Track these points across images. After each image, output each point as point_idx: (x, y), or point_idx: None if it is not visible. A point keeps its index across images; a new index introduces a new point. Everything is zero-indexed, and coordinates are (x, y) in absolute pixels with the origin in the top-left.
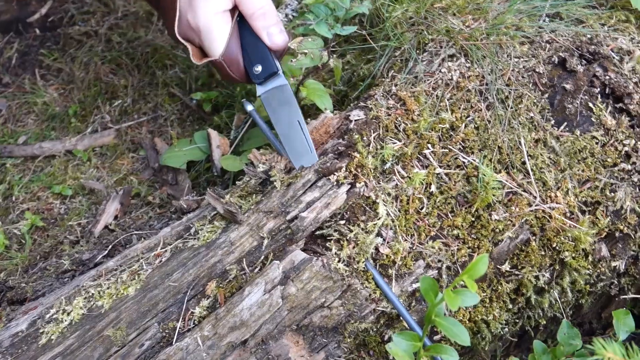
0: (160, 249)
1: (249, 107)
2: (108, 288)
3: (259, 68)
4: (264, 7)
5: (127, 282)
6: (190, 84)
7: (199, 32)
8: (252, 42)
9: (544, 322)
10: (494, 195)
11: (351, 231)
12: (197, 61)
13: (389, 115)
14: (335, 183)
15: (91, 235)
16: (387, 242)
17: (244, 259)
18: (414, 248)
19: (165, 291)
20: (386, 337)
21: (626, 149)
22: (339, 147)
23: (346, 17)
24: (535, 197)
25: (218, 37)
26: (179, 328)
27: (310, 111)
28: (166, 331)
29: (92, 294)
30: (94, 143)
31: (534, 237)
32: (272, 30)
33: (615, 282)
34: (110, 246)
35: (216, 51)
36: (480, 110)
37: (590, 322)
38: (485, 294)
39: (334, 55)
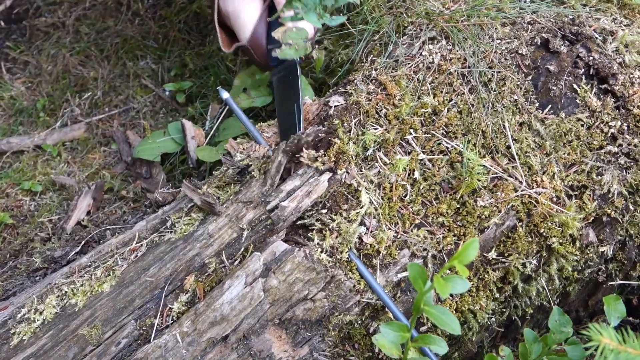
0: (136, 243)
1: (225, 95)
2: (82, 285)
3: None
4: None
5: (101, 278)
6: (162, 74)
7: (229, 17)
8: (274, 25)
9: (531, 311)
10: (479, 180)
11: (333, 220)
12: (226, 49)
13: (370, 100)
14: (316, 170)
15: (63, 231)
16: (371, 231)
17: (224, 252)
18: (398, 237)
19: (141, 287)
20: (371, 330)
21: (612, 130)
22: (319, 134)
23: (335, 7)
24: (521, 182)
25: (246, 22)
26: (157, 325)
27: None
28: (143, 328)
29: (65, 291)
30: (63, 137)
31: (520, 223)
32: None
33: (603, 268)
34: (83, 242)
35: (244, 36)
36: (463, 93)
37: (577, 310)
38: (472, 283)
39: (317, 46)
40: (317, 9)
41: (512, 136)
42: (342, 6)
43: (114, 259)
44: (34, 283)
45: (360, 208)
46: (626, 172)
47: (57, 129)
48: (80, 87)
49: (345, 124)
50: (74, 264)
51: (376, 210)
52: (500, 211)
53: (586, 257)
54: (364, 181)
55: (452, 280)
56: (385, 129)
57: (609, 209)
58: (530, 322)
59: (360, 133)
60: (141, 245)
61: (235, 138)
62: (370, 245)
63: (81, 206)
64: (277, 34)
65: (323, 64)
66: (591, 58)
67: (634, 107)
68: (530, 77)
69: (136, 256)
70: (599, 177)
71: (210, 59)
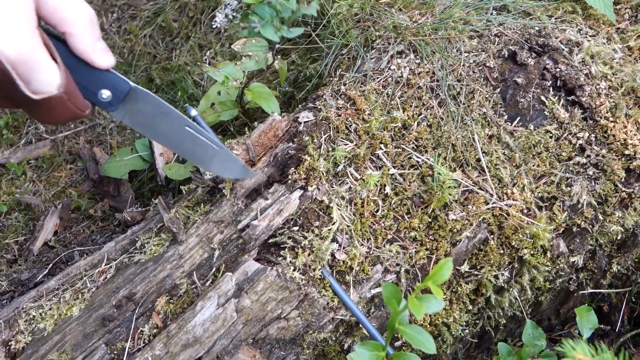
0: (105, 265)
1: (193, 112)
2: (50, 309)
3: (107, 93)
4: (89, 16)
5: (70, 301)
6: None
7: (13, 64)
8: (79, 65)
9: (504, 321)
10: (450, 194)
11: (305, 238)
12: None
13: (339, 115)
14: (286, 189)
15: (30, 253)
16: (343, 248)
17: (195, 272)
18: (370, 252)
19: (111, 310)
20: (346, 346)
21: (580, 142)
22: (289, 151)
23: (293, 19)
24: (491, 195)
25: (45, 63)
26: (129, 348)
27: (256, 114)
28: (115, 352)
29: (34, 316)
30: (28, 155)
31: (492, 236)
32: (98, 46)
33: (574, 277)
34: (50, 264)
35: (48, 84)
36: (432, 107)
37: (549, 319)
38: (445, 296)
39: (279, 57)
40: (274, 21)
41: (481, 149)
42: (303, 17)
43: (82, 281)
44: (0, 307)
45: (332, 224)
46: (595, 183)
47: (21, 147)
48: None
49: (316, 140)
50: (42, 287)
51: (348, 226)
52: (471, 224)
53: (557, 267)
54: (335, 197)
55: (427, 300)
56: (356, 144)
57: (579, 219)
58: (503, 332)
59: (330, 149)
60: (110, 267)
61: None
62: (343, 261)
63: (48, 226)
64: (236, 46)
65: (291, 78)
66: (558, 70)
67: (601, 117)
68: (498, 90)
69: (105, 278)
70: (569, 188)
71: (177, 74)
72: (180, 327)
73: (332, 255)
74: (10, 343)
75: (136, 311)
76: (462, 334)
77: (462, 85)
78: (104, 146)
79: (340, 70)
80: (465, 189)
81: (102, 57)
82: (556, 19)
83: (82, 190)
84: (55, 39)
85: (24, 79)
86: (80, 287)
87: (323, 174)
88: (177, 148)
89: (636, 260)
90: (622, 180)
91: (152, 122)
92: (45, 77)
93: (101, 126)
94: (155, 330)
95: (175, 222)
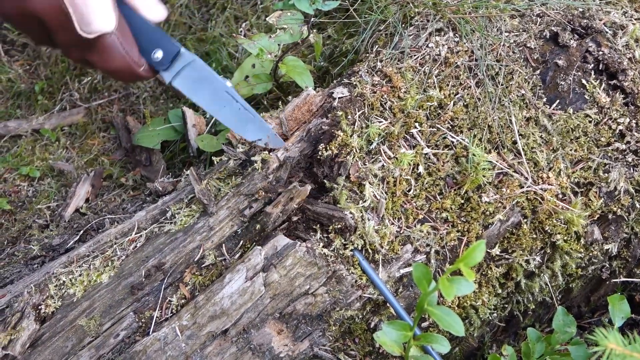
0: (135, 233)
1: (228, 84)
2: (80, 275)
3: (159, 54)
4: None
5: (100, 268)
6: None
7: (71, 3)
8: (136, 24)
9: (533, 306)
10: (484, 176)
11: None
12: (41, 44)
13: (374, 92)
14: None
15: (61, 219)
16: (374, 226)
17: (224, 245)
18: (401, 232)
19: (140, 279)
20: (372, 324)
21: (620, 127)
22: (323, 127)
23: None
24: (526, 178)
25: (100, 2)
26: (156, 317)
27: (290, 88)
28: (142, 321)
29: (64, 281)
30: (62, 122)
31: (525, 220)
32: (150, 1)
33: (607, 265)
34: (81, 231)
35: (101, 22)
36: (470, 87)
37: (579, 306)
38: (474, 279)
39: (314, 30)
40: None
41: (518, 131)
42: None
43: (112, 249)
44: (31, 271)
45: (364, 202)
46: (633, 170)
47: (55, 113)
48: (80, 71)
49: (349, 117)
50: (73, 253)
51: (380, 204)
52: (504, 207)
53: (590, 254)
54: (368, 175)
55: (457, 282)
56: (390, 122)
57: (615, 206)
58: (531, 317)
59: (364, 126)
60: (140, 235)
61: None
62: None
63: (80, 193)
64: (271, 18)
65: (327, 52)
66: (601, 53)
67: None
68: (538, 72)
69: (135, 247)
70: (606, 174)
71: (212, 45)
72: (208, 298)
73: None
74: (40, 307)
75: (165, 281)
76: (490, 318)
77: (501, 65)
78: (137, 115)
79: (377, 46)
80: (499, 171)
81: (155, 8)
82: (600, 0)
83: (114, 158)
84: None
85: (79, 19)
86: (110, 255)
87: (356, 150)
88: (216, 111)
89: None
90: None
91: (196, 85)
92: (99, 17)
93: (135, 95)
94: (183, 301)
95: (206, 194)
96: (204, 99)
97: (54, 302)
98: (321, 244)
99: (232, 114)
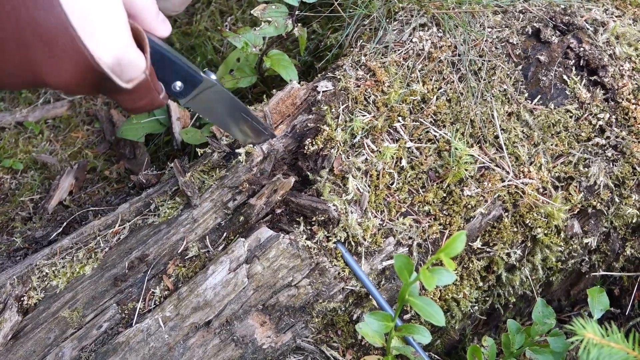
0: (118, 225)
1: (212, 77)
2: (63, 267)
3: (179, 84)
4: None
5: (83, 260)
6: None
7: (111, 67)
8: (157, 54)
9: (514, 299)
10: (466, 170)
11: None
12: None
13: (358, 86)
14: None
15: (44, 211)
16: (357, 219)
17: (207, 237)
18: (384, 225)
19: (124, 270)
20: (355, 317)
21: (600, 123)
22: (308, 124)
23: None
24: (508, 172)
25: (135, 54)
26: (139, 309)
27: (274, 82)
28: (125, 312)
29: (47, 273)
30: (46, 114)
31: (506, 214)
32: (160, 17)
33: (587, 259)
34: (65, 223)
35: (137, 71)
36: (453, 82)
37: (559, 300)
38: (456, 272)
39: (299, 24)
40: None
41: (500, 126)
42: None
43: (96, 241)
44: (14, 263)
45: (347, 195)
46: (613, 165)
47: (39, 106)
48: None
49: (334, 110)
50: (56, 245)
51: (363, 197)
52: (486, 201)
53: (570, 248)
54: (351, 168)
55: (438, 273)
56: (374, 116)
57: (595, 200)
58: (512, 310)
59: (348, 120)
60: (124, 227)
61: None
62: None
63: (63, 186)
64: (256, 11)
65: (311, 47)
66: (582, 49)
67: (622, 99)
68: (520, 67)
69: (118, 239)
70: (586, 169)
71: (197, 39)
72: (191, 290)
73: None
74: (22, 299)
75: (148, 273)
76: (472, 311)
77: (484, 60)
78: (121, 108)
79: (361, 40)
80: (481, 165)
81: (163, 27)
82: None
83: (98, 151)
84: None
85: (118, 74)
86: (94, 247)
87: (340, 144)
88: (231, 131)
89: None
90: None
91: (212, 107)
92: (135, 66)
93: None
94: (166, 292)
95: (190, 186)
96: (218, 119)
97: (37, 294)
98: (304, 236)
99: (248, 132)
